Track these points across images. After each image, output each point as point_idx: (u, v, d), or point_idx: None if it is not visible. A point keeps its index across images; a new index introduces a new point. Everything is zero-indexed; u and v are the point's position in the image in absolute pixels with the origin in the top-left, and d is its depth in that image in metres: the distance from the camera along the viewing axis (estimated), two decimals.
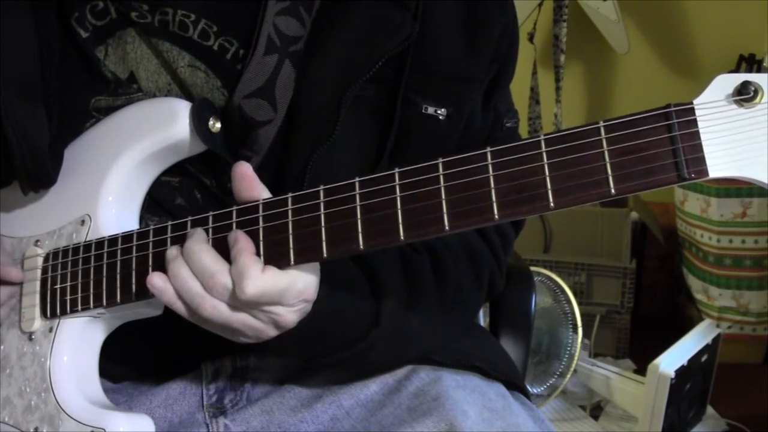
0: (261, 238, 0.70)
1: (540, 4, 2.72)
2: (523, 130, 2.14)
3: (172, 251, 0.72)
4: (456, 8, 0.87)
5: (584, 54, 3.02)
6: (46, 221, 0.84)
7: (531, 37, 2.75)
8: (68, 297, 0.80)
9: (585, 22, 2.77)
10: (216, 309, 0.70)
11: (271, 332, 0.73)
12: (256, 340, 0.75)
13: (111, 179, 0.81)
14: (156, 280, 0.71)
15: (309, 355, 0.81)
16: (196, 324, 0.74)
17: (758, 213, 2.44)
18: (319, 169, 0.80)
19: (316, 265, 0.72)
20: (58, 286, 0.81)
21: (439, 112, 0.85)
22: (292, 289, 0.70)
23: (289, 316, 0.72)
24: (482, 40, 0.87)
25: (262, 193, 0.72)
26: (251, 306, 0.70)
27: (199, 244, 0.71)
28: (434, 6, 0.85)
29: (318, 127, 0.82)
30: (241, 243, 0.69)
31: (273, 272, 0.69)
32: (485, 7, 0.88)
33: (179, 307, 0.72)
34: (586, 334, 2.29)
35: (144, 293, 0.75)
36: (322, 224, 0.68)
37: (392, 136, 0.84)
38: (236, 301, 0.70)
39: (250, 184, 0.72)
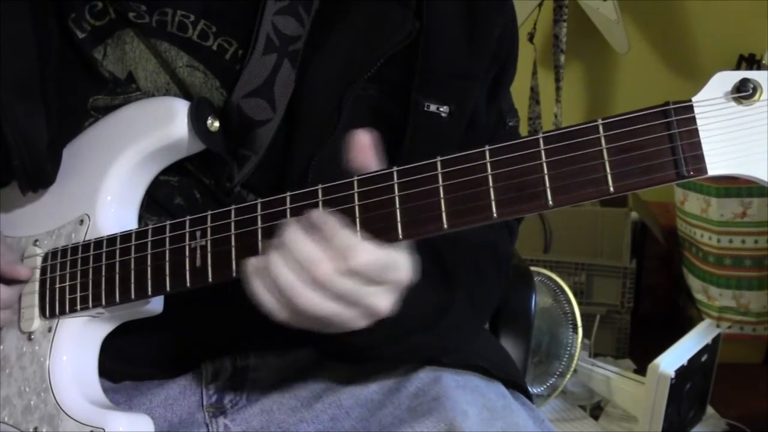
0: (260, 237, 0.70)
1: (540, 4, 2.72)
2: (523, 130, 2.13)
3: (272, 242, 0.68)
4: (456, 6, 0.86)
5: (584, 54, 3.02)
6: (44, 221, 0.84)
7: (531, 37, 2.74)
8: (67, 297, 0.80)
9: (585, 22, 2.77)
10: (312, 302, 0.66)
11: (362, 323, 0.70)
12: (340, 330, 0.71)
13: (110, 178, 0.81)
14: (249, 267, 0.68)
15: (394, 339, 0.77)
16: (279, 319, 0.69)
17: (758, 213, 2.44)
18: (321, 168, 0.80)
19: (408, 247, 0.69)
20: (57, 285, 0.81)
21: (441, 109, 0.84)
22: (396, 263, 0.67)
23: (386, 301, 0.69)
24: (483, 38, 0.87)
25: (378, 164, 0.69)
26: (350, 288, 0.66)
27: (296, 232, 0.67)
28: (435, 4, 0.85)
29: (320, 126, 0.82)
30: (332, 221, 0.66)
31: (375, 244, 0.66)
32: (486, 6, 0.88)
33: (267, 299, 0.68)
34: (586, 334, 2.28)
35: (143, 293, 0.75)
36: None
37: (408, 135, 0.83)
38: (336, 289, 0.66)
39: (368, 154, 0.69)
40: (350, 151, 0.69)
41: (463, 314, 0.82)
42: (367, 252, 0.65)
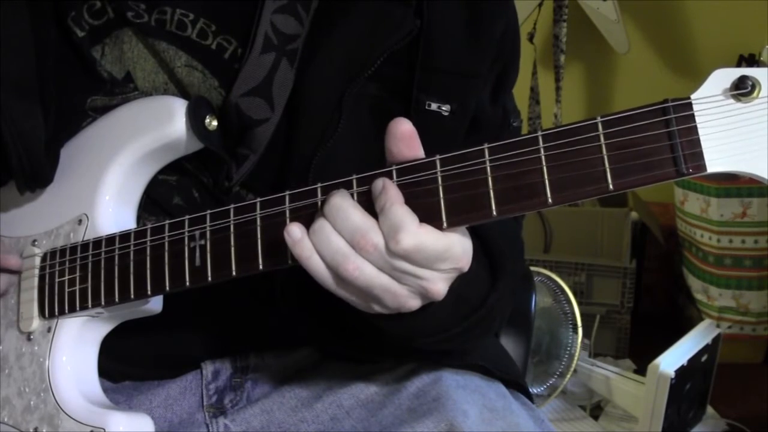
0: (259, 236, 0.70)
1: (540, 4, 2.72)
2: (524, 130, 2.14)
3: (319, 211, 0.65)
4: (458, 5, 0.86)
5: (584, 54, 3.03)
6: (43, 221, 0.84)
7: (531, 37, 2.75)
8: (66, 297, 0.80)
9: (585, 22, 2.77)
10: (359, 270, 0.63)
11: (414, 303, 0.67)
12: (396, 310, 0.68)
13: (108, 178, 0.81)
14: (294, 229, 0.64)
15: (438, 329, 0.75)
16: (329, 289, 0.66)
17: (758, 213, 2.44)
18: (322, 167, 0.80)
19: (467, 232, 0.66)
20: (56, 286, 0.81)
21: (443, 108, 0.84)
22: (449, 252, 0.63)
23: (439, 284, 0.65)
24: (485, 37, 0.87)
25: (421, 152, 0.65)
26: (400, 266, 0.63)
27: (346, 200, 0.64)
28: (436, 3, 0.84)
29: (321, 125, 0.82)
30: (391, 192, 0.63)
31: (431, 229, 0.63)
32: (488, 5, 0.87)
33: (314, 264, 0.64)
34: (586, 334, 2.28)
35: (142, 292, 0.75)
36: None
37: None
38: (385, 261, 0.63)
39: (411, 142, 0.65)
40: (392, 143, 0.65)
41: (501, 304, 0.80)
42: (415, 237, 0.62)
